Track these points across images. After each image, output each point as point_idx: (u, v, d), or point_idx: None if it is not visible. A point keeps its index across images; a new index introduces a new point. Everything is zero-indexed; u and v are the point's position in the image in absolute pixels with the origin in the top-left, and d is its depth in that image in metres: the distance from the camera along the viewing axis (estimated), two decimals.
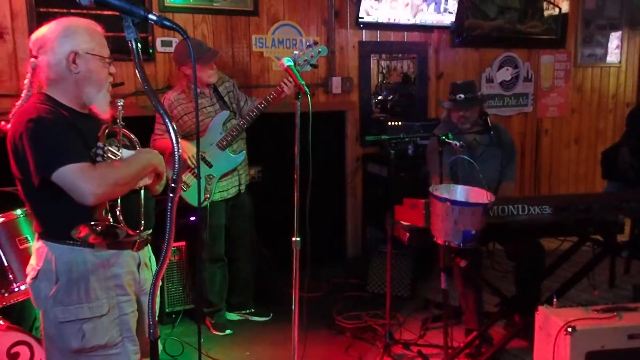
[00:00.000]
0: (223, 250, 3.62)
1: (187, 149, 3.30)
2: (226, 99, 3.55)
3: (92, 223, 1.73)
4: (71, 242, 1.76)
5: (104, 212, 1.77)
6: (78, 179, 1.65)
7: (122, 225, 1.80)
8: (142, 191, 1.91)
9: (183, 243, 3.71)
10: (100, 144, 1.78)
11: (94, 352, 1.81)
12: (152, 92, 1.42)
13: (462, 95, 3.26)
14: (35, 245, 1.85)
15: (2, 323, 2.53)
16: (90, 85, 1.81)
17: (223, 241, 3.61)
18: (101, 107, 1.84)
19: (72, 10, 3.40)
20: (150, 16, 1.37)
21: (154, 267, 2.07)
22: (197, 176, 3.33)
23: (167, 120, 1.41)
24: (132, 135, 1.95)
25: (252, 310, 3.80)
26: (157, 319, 2.02)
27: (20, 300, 2.80)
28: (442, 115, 3.66)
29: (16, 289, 2.60)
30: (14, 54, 3.61)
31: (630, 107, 5.77)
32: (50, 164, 1.65)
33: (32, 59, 1.79)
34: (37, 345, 2.49)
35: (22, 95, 1.80)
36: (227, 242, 3.64)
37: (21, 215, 2.71)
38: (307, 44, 4.39)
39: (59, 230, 1.76)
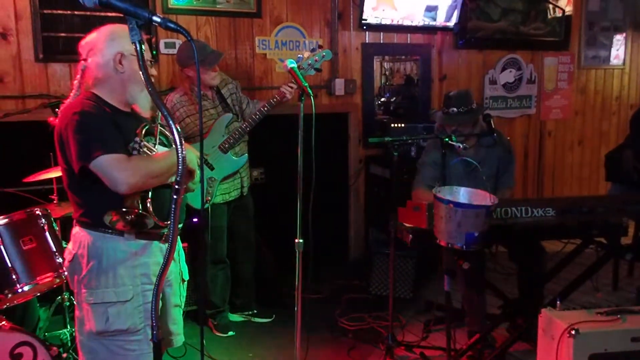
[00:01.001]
0: (225, 252, 3.62)
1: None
2: (229, 101, 3.55)
3: (123, 210, 1.82)
4: (103, 229, 1.87)
5: (135, 202, 1.87)
6: (113, 168, 1.76)
7: (151, 216, 1.88)
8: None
9: (185, 245, 3.70)
10: (137, 139, 1.88)
11: (116, 336, 1.90)
12: (156, 94, 1.42)
13: (455, 109, 3.14)
14: (73, 230, 1.97)
15: (6, 324, 2.53)
16: (134, 84, 1.93)
17: (225, 243, 3.61)
18: (143, 105, 1.98)
19: (76, 12, 3.42)
20: (155, 18, 1.36)
21: (183, 260, 2.18)
22: (201, 179, 3.33)
23: (171, 122, 1.41)
24: (169, 134, 2.03)
25: (255, 311, 3.81)
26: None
27: (24, 301, 2.80)
28: (435, 123, 3.46)
29: (19, 290, 2.59)
30: (17, 56, 3.62)
31: (634, 109, 5.73)
32: (89, 153, 1.77)
33: (82, 62, 1.93)
34: (40, 346, 2.49)
35: (71, 94, 1.95)
36: (229, 244, 3.64)
37: (25, 217, 2.72)
38: (311, 47, 4.40)
39: (94, 218, 1.88)
